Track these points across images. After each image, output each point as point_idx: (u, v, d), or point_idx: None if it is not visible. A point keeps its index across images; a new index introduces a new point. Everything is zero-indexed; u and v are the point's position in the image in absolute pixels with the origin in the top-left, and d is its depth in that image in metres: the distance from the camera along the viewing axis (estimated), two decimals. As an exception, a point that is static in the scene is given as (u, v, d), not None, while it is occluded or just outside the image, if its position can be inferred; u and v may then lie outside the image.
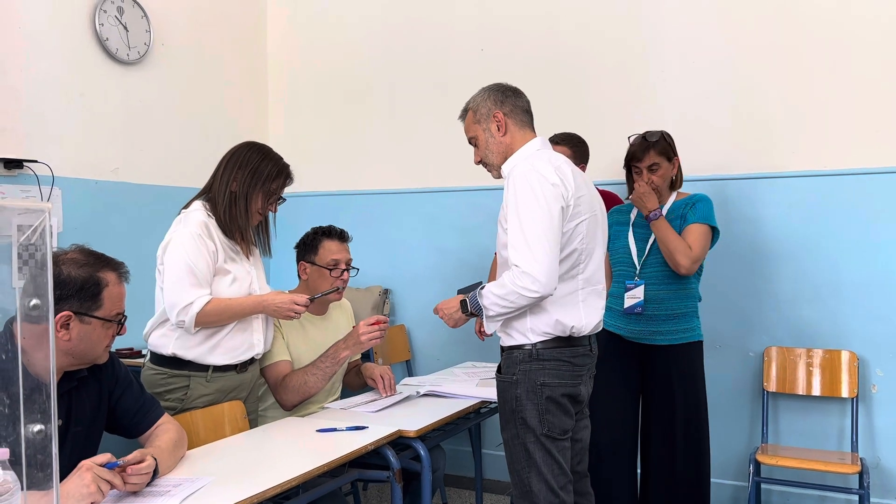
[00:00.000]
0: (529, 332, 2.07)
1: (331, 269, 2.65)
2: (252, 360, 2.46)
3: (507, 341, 2.13)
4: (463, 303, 2.10)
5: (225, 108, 4.25)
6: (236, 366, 2.39)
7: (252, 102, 4.48)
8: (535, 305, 2.03)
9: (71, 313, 1.68)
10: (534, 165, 2.04)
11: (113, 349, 1.96)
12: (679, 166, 2.80)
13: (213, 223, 2.34)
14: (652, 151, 2.74)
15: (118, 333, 1.80)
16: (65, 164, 3.33)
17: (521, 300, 1.97)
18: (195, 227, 2.28)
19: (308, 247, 2.69)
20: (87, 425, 1.80)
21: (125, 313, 1.81)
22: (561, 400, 2.07)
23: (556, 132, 3.21)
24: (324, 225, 2.76)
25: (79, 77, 3.44)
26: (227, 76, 4.27)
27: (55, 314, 1.67)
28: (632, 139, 2.83)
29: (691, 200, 2.78)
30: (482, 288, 2.06)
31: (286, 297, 2.35)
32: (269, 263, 4.54)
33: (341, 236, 2.71)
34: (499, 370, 2.16)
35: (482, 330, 2.32)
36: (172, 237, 2.29)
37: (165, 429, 1.92)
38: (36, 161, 3.17)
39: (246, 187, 2.34)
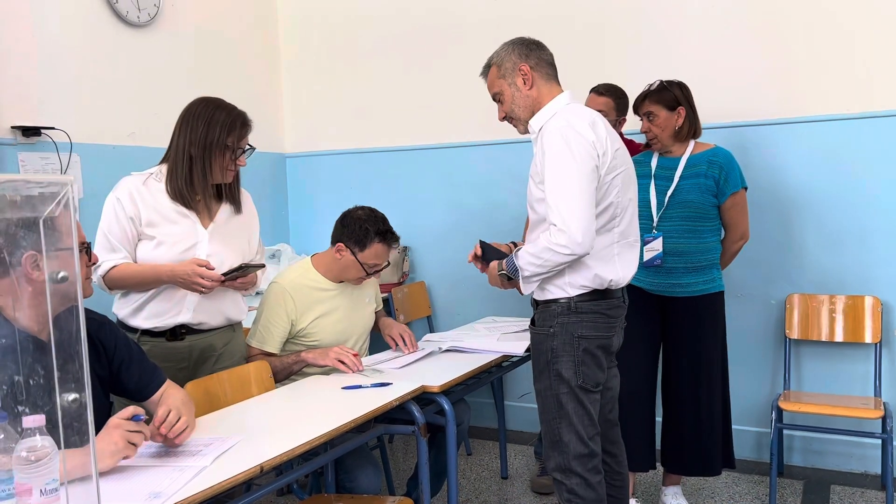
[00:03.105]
0: (568, 286, 2.09)
1: (368, 272, 2.61)
2: (192, 331, 2.34)
3: (542, 295, 2.14)
4: (500, 268, 2.12)
5: (237, 68, 4.22)
6: (164, 332, 2.31)
7: (265, 61, 4.44)
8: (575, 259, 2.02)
9: (36, 253, 1.68)
10: (569, 121, 2.02)
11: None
12: (689, 116, 2.75)
13: (150, 187, 2.27)
14: (647, 100, 2.75)
15: (90, 263, 1.78)
16: (81, 130, 3.34)
17: (558, 258, 1.97)
18: (117, 191, 2.28)
19: (356, 237, 2.56)
20: (94, 388, 1.81)
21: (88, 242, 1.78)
22: (596, 352, 2.10)
23: (595, 83, 3.17)
24: (378, 218, 2.59)
25: (90, 42, 3.42)
26: (238, 35, 4.23)
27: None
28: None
29: (715, 160, 2.75)
30: (518, 249, 2.05)
31: (190, 269, 2.20)
32: (287, 219, 4.56)
33: (392, 241, 2.61)
34: (532, 323, 2.18)
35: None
36: None
37: (172, 392, 1.93)
38: (53, 128, 3.18)
39: (202, 149, 2.24)
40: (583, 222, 1.94)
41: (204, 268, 2.21)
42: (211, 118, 2.26)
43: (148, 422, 1.71)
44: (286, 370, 2.53)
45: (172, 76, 3.80)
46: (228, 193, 2.39)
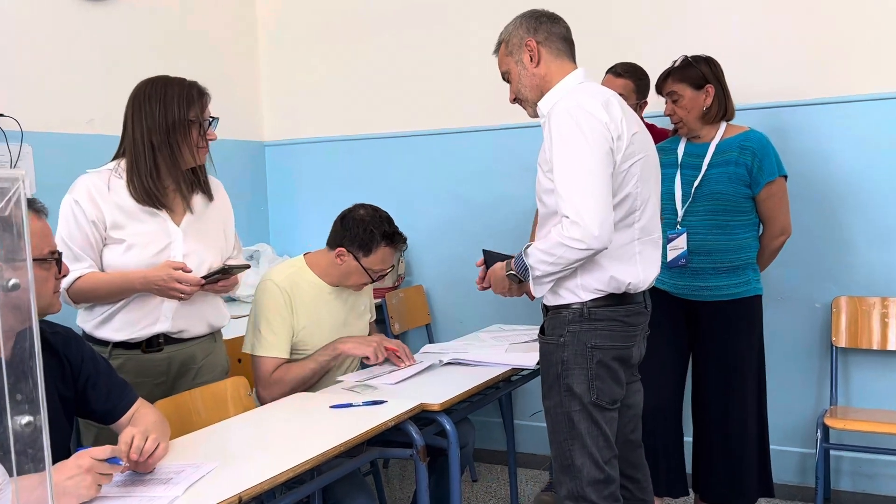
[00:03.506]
0: (580, 290, 2.09)
1: (373, 278, 2.64)
2: (171, 340, 2.35)
3: (552, 300, 2.14)
4: (509, 268, 2.12)
5: (209, 45, 4.22)
6: (140, 344, 2.31)
7: (240, 37, 4.44)
8: (588, 259, 2.02)
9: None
10: (579, 101, 2.02)
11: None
12: (719, 95, 2.75)
13: (112, 185, 2.26)
14: (670, 79, 2.75)
15: (60, 275, 1.78)
16: (34, 117, 3.34)
17: (573, 254, 1.95)
18: (74, 192, 2.26)
19: (360, 240, 2.57)
20: (53, 409, 1.80)
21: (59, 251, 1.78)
22: (612, 364, 2.10)
23: (614, 62, 3.18)
24: (383, 218, 2.61)
25: (42, 17, 3.42)
26: (209, 8, 4.23)
27: None
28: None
29: (747, 145, 2.75)
30: (528, 247, 2.05)
31: (165, 273, 2.19)
32: (267, 215, 4.57)
33: (399, 243, 2.63)
34: (542, 331, 2.19)
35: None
36: None
37: (144, 413, 1.94)
38: (2, 115, 3.19)
39: (164, 133, 2.23)
40: (599, 212, 1.92)
41: (181, 270, 2.21)
42: (164, 96, 2.25)
43: None
44: (322, 371, 2.57)
45: (136, 56, 3.81)
46: (200, 180, 2.39)
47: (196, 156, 2.30)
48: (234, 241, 2.54)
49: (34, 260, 1.69)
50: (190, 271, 2.23)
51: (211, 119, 2.31)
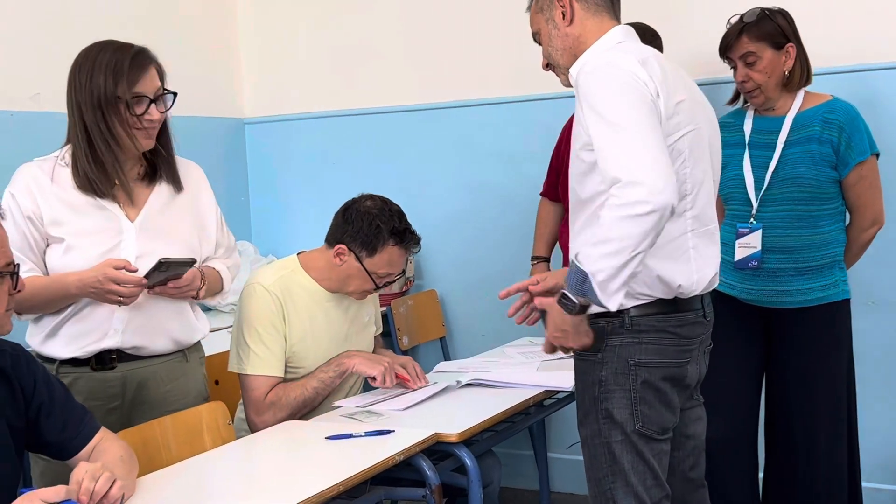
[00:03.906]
0: None
1: (377, 283, 2.63)
2: (125, 357, 2.33)
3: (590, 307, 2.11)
4: (563, 296, 1.95)
5: (178, 7, 4.22)
6: (89, 360, 2.30)
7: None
8: None
9: None
10: (609, 59, 2.02)
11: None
12: (799, 55, 2.74)
13: (57, 175, 2.27)
14: (745, 37, 2.72)
15: (15, 291, 1.77)
16: (-32, 92, 3.36)
17: (638, 226, 1.82)
18: (12, 185, 2.28)
19: (364, 237, 2.57)
20: (0, 439, 1.80)
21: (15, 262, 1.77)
22: (661, 385, 2.07)
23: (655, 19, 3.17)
24: (393, 212, 2.60)
25: (-21, -28, 3.44)
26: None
27: None
28: (731, 22, 2.80)
29: (832, 118, 2.74)
30: (576, 255, 1.94)
31: (101, 273, 2.15)
32: (248, 207, 4.57)
33: (411, 242, 2.63)
34: None
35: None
36: None
37: (106, 447, 1.93)
38: (-71, 90, 3.21)
39: (93, 110, 2.21)
40: (656, 163, 1.85)
41: (124, 270, 2.18)
42: (93, 67, 2.24)
43: None
44: (327, 390, 2.58)
45: (89, 20, 3.81)
46: (163, 166, 2.37)
47: (135, 141, 2.26)
48: (221, 240, 2.52)
49: None
50: (135, 270, 2.20)
51: (154, 97, 2.26)
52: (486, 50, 3.97)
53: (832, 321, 2.78)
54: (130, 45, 2.29)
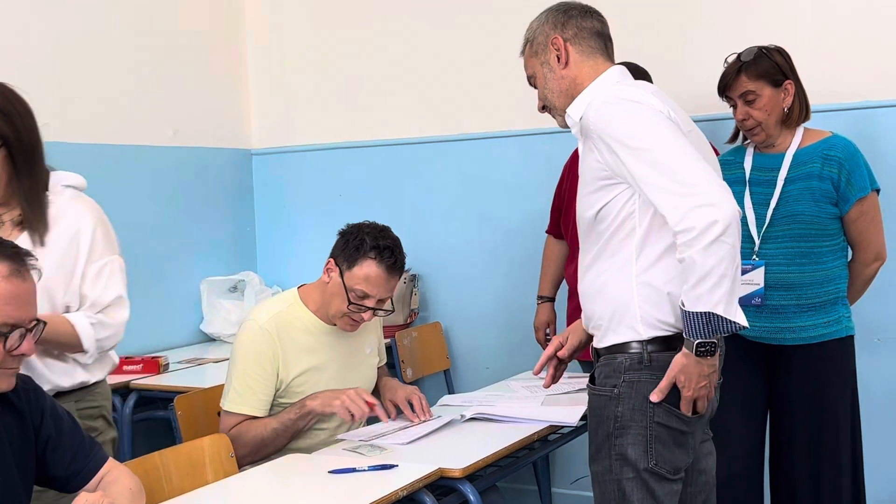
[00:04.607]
0: (640, 324, 2.05)
1: (352, 301, 2.58)
2: None
3: (605, 339, 2.11)
4: (698, 346, 1.95)
5: (186, 38, 4.26)
6: None
7: (224, 26, 4.48)
8: (647, 285, 2.01)
9: None
10: (618, 94, 2.06)
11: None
12: (798, 91, 2.75)
13: None
14: (743, 75, 2.73)
15: (16, 352, 1.74)
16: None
17: (722, 249, 1.86)
18: None
19: (349, 249, 2.58)
20: (7, 476, 1.79)
21: (28, 323, 1.75)
22: (677, 424, 2.07)
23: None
24: (382, 231, 2.61)
25: (-11, 3, 3.47)
26: (188, -6, 4.28)
27: None
28: (728, 61, 2.81)
29: (832, 154, 2.74)
30: (681, 305, 1.95)
31: None
32: (254, 237, 4.57)
33: (391, 265, 2.58)
34: (591, 380, 2.17)
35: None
36: None
37: (115, 477, 1.92)
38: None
39: None
40: (706, 176, 1.91)
41: None
42: None
43: None
44: (287, 431, 2.53)
45: (99, 48, 3.84)
46: (28, 215, 2.26)
47: None
48: (89, 293, 2.34)
49: None
50: None
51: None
52: (490, 84, 3.99)
53: (835, 358, 2.77)
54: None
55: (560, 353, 2.35)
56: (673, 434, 2.07)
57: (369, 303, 2.59)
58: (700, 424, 2.14)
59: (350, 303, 2.58)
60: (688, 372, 1.98)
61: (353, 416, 2.51)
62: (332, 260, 2.62)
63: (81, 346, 2.26)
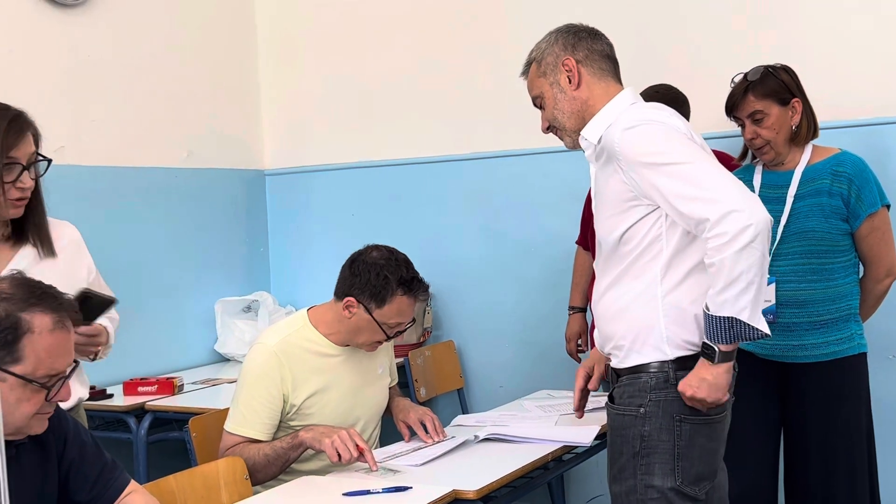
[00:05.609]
0: (665, 344, 2.07)
1: (388, 335, 2.62)
2: None
3: (628, 359, 2.11)
4: (705, 353, 2.00)
5: (199, 59, 4.29)
6: None
7: (236, 50, 4.51)
8: (673, 305, 2.03)
9: None
10: (641, 116, 2.09)
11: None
12: (805, 109, 2.75)
13: None
14: (751, 95, 2.74)
15: (51, 399, 1.73)
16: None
17: (752, 255, 1.89)
18: None
19: (372, 288, 2.56)
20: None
21: (66, 372, 1.74)
22: (703, 442, 2.09)
23: (650, 84, 3.18)
24: (400, 261, 2.60)
25: (7, 27, 3.49)
26: (199, 17, 4.30)
27: None
28: (734, 81, 2.82)
29: (841, 171, 2.74)
30: (706, 309, 1.97)
31: None
32: (267, 257, 4.58)
33: (422, 292, 2.63)
34: (611, 399, 2.17)
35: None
36: None
37: (134, 500, 1.92)
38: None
39: None
40: (736, 186, 1.95)
41: None
42: None
43: None
44: (280, 460, 2.51)
45: (114, 72, 3.87)
46: (31, 230, 2.28)
47: (1, 207, 2.17)
48: (96, 282, 2.43)
49: (23, 378, 1.66)
50: None
51: (27, 164, 2.20)
52: (502, 103, 3.99)
53: (848, 375, 2.76)
54: (7, 108, 2.26)
55: (591, 386, 2.47)
56: (700, 451, 2.08)
57: (402, 328, 2.66)
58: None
59: (388, 337, 2.63)
60: (706, 384, 2.02)
61: (338, 455, 2.42)
62: (351, 299, 2.58)
63: (109, 344, 2.38)
